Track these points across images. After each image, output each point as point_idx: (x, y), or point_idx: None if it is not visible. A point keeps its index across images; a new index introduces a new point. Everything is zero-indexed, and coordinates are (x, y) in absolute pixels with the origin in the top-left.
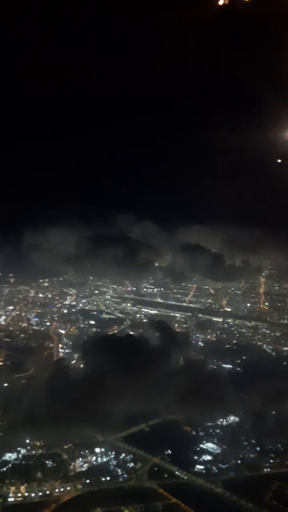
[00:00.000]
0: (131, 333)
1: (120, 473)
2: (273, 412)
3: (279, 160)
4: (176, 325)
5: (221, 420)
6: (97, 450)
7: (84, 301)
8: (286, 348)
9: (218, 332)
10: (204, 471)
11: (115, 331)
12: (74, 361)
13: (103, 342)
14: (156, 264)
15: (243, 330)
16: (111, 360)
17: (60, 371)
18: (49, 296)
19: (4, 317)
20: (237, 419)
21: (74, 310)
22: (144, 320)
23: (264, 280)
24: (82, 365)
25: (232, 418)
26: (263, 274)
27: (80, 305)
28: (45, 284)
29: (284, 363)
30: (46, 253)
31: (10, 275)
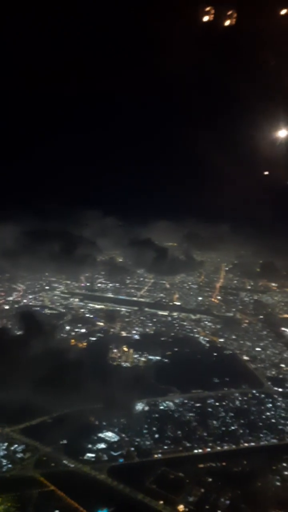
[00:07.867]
0: None
1: (5, 463)
2: (185, 401)
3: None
4: (118, 319)
5: (127, 410)
6: None
7: (30, 297)
8: (221, 340)
9: (159, 325)
10: (93, 459)
11: None
12: None
13: None
14: (118, 259)
15: (185, 323)
16: None
17: None
18: None
19: None
20: (145, 408)
21: (16, 306)
22: (87, 315)
23: (224, 274)
24: None
25: (140, 408)
26: (226, 268)
27: (25, 301)
28: None
29: (215, 354)
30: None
31: None
